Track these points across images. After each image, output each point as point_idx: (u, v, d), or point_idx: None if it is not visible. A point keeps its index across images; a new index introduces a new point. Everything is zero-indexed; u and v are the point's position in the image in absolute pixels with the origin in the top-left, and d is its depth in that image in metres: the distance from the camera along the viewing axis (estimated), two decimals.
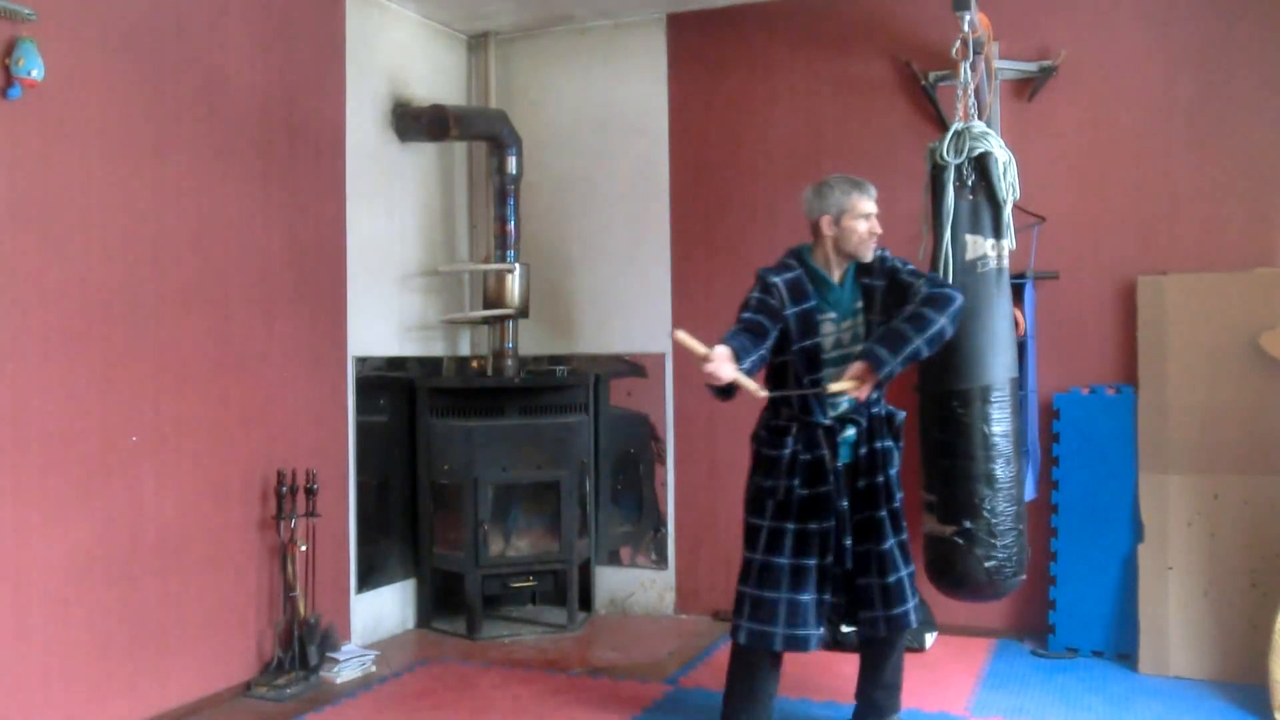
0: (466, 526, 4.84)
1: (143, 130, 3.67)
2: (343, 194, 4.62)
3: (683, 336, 2.92)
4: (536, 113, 5.47)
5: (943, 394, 3.56)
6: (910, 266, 3.29)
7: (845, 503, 3.17)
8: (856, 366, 3.10)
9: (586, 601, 5.21)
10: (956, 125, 3.58)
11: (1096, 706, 3.79)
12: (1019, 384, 3.75)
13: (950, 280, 3.56)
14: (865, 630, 3.24)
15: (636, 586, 5.26)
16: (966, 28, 3.78)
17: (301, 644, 4.12)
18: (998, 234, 3.60)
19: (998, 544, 3.53)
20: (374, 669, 4.31)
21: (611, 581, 5.31)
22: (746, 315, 3.17)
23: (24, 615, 3.25)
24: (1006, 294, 3.67)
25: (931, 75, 4.69)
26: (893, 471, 3.26)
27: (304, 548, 4.19)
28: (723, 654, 4.46)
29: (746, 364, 2.99)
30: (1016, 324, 4.13)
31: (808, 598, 3.15)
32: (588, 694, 3.99)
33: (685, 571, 5.19)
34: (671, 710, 3.81)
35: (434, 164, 5.32)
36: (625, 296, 5.30)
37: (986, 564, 3.51)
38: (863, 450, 3.23)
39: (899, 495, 3.27)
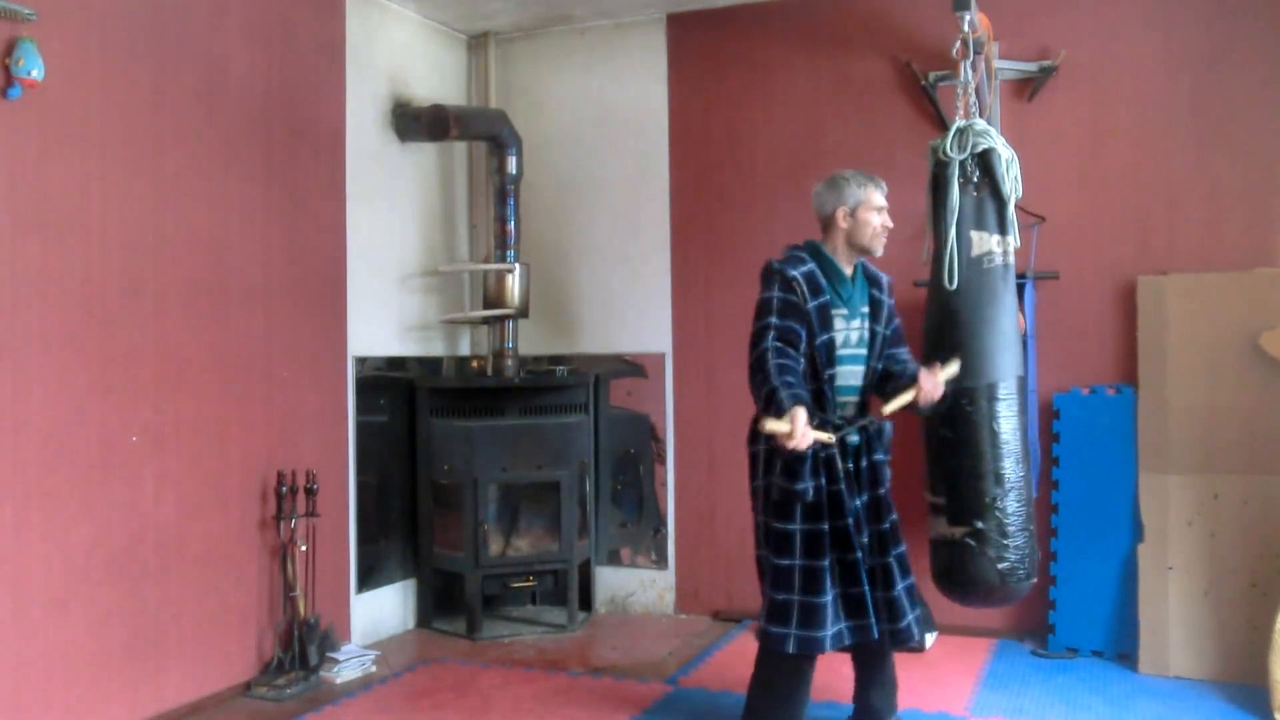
0: (466, 526, 4.84)
1: (143, 130, 3.67)
2: (343, 194, 4.62)
3: (771, 425, 2.94)
4: (536, 113, 5.47)
5: (953, 392, 3.52)
6: (897, 320, 3.39)
7: (858, 501, 3.17)
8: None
9: (586, 601, 5.21)
10: (959, 122, 3.57)
11: (1096, 706, 3.79)
12: (1023, 381, 3.74)
13: (956, 276, 3.54)
14: (863, 638, 3.22)
15: (636, 586, 5.26)
16: (966, 28, 3.78)
17: (301, 644, 4.12)
18: (1003, 230, 3.58)
19: (1010, 545, 3.48)
20: (374, 669, 4.31)
21: (611, 581, 5.31)
22: (776, 322, 3.10)
23: (24, 615, 3.25)
24: (1013, 290, 3.64)
25: (931, 75, 4.69)
26: (888, 485, 3.26)
27: (304, 548, 4.19)
28: (723, 654, 4.47)
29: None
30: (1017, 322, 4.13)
31: (832, 595, 3.15)
32: (588, 694, 3.99)
33: (685, 571, 5.19)
34: (671, 710, 3.81)
35: (434, 164, 5.32)
36: (625, 296, 5.30)
37: (999, 565, 3.45)
38: (864, 463, 3.21)
39: (894, 508, 3.27)
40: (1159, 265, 4.39)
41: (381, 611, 4.86)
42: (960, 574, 3.53)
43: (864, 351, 3.24)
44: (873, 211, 3.21)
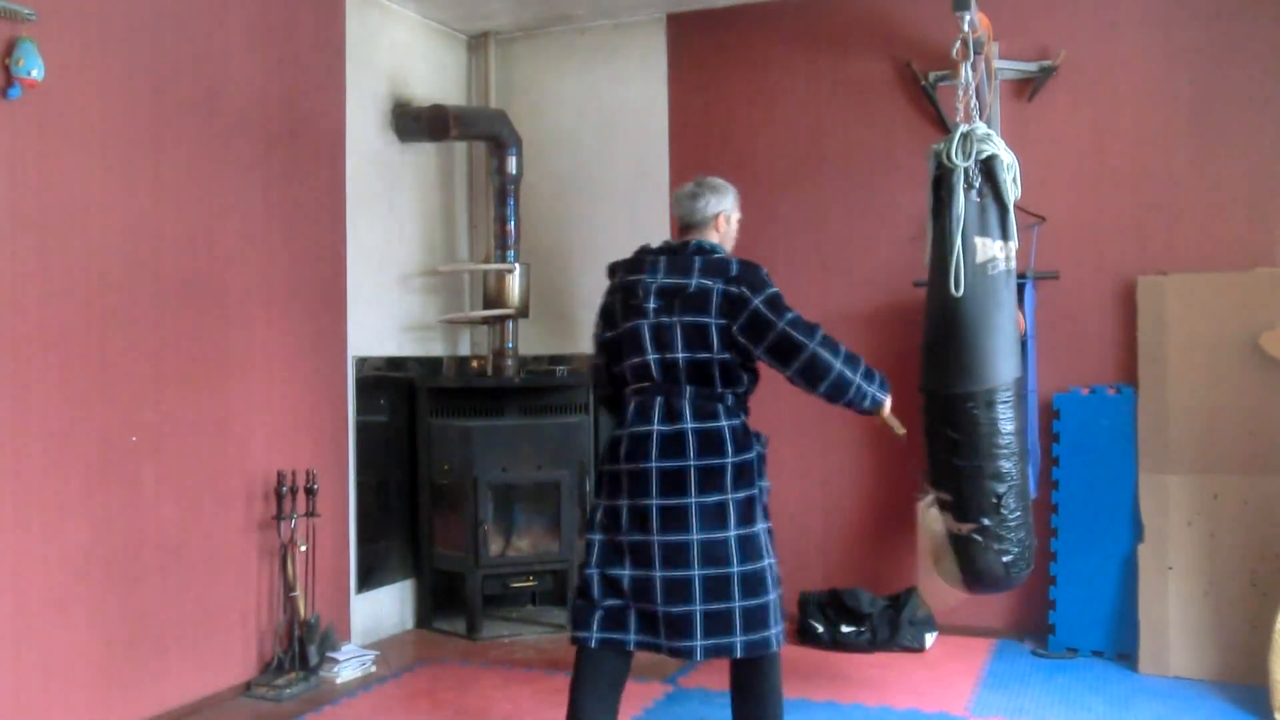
0: (466, 526, 4.84)
1: (143, 130, 3.67)
2: (343, 194, 4.62)
3: (891, 420, 3.15)
4: (536, 113, 5.47)
5: (958, 395, 3.57)
6: None
7: None
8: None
9: None
10: (961, 127, 3.57)
11: (1096, 706, 3.79)
12: (1022, 383, 3.76)
13: (963, 283, 3.55)
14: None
15: None
16: (966, 28, 3.78)
17: (301, 644, 4.12)
18: (1005, 236, 3.61)
19: (1013, 538, 3.60)
20: (374, 669, 4.31)
21: None
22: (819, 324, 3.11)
23: (24, 615, 3.25)
24: (1014, 294, 3.68)
25: (931, 75, 4.69)
26: None
27: (304, 548, 4.19)
28: None
29: None
30: (1017, 324, 4.14)
31: None
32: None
33: None
34: (671, 710, 3.81)
35: (434, 164, 5.32)
36: None
37: (1004, 558, 3.59)
38: None
39: None
40: (1159, 265, 4.39)
41: (381, 611, 4.86)
42: (968, 566, 3.65)
43: None
44: (738, 221, 3.26)
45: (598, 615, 2.99)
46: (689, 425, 2.96)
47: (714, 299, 2.98)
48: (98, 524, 3.48)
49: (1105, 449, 4.33)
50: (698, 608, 2.91)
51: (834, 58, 4.95)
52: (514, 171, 5.14)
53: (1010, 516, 3.58)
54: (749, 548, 2.95)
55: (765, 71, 5.08)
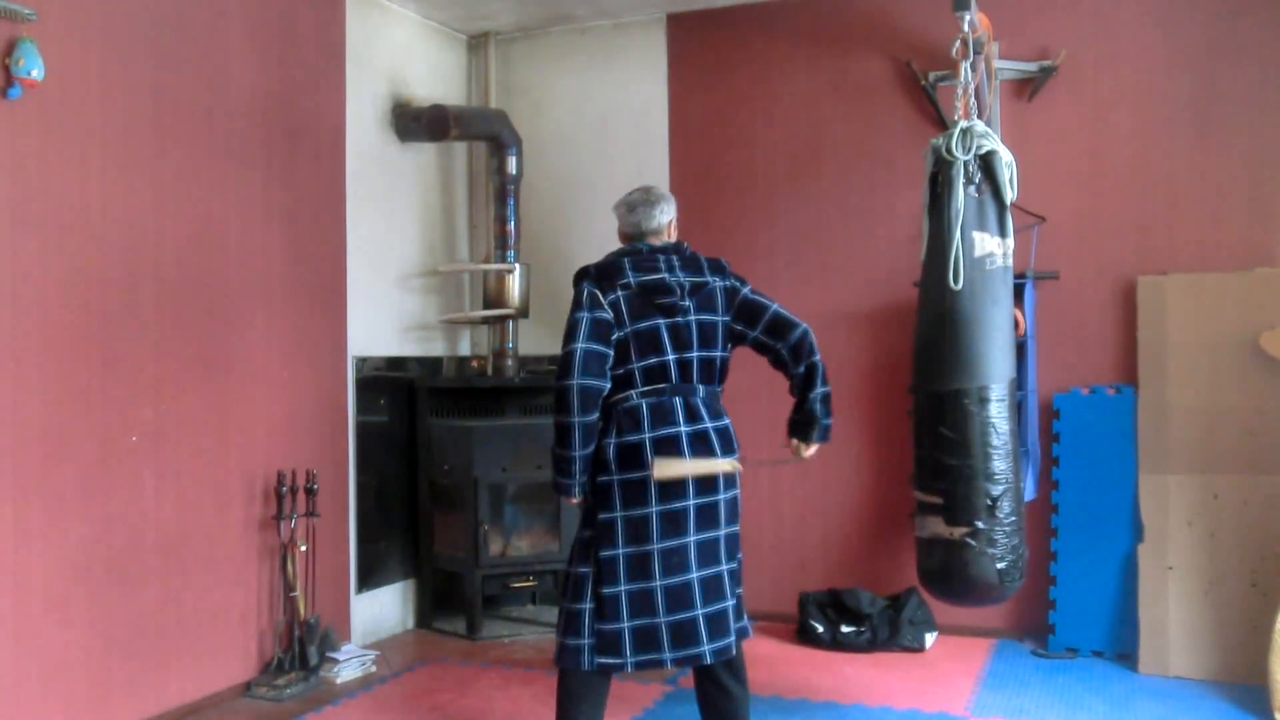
0: (466, 526, 4.84)
1: (143, 130, 3.67)
2: (343, 194, 4.62)
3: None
4: (536, 113, 5.47)
5: (953, 391, 3.52)
6: None
7: None
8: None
9: None
10: (961, 123, 3.57)
11: (1096, 706, 3.79)
12: (1018, 383, 3.74)
13: (961, 277, 3.53)
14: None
15: None
16: (966, 28, 3.78)
17: (301, 644, 4.12)
18: (1003, 232, 3.59)
19: (1007, 544, 3.49)
20: (374, 669, 4.31)
21: None
22: None
23: (24, 615, 3.25)
24: (1010, 292, 3.65)
25: (931, 75, 4.69)
26: None
27: (304, 548, 4.19)
28: None
29: None
30: (1016, 324, 4.13)
31: None
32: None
33: None
34: (671, 710, 3.81)
35: (434, 164, 5.32)
36: None
37: (998, 565, 3.47)
38: None
39: None
40: (1159, 265, 4.39)
41: (381, 611, 4.86)
42: (960, 574, 3.51)
43: None
44: None
45: (628, 637, 2.89)
46: (709, 424, 2.98)
47: (720, 297, 3.07)
48: (98, 524, 3.48)
49: (1105, 449, 4.33)
50: (728, 603, 2.95)
51: (834, 58, 4.95)
52: (514, 171, 5.14)
53: (1005, 520, 3.48)
54: (734, 544, 3.02)
55: (765, 71, 5.08)
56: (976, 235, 3.54)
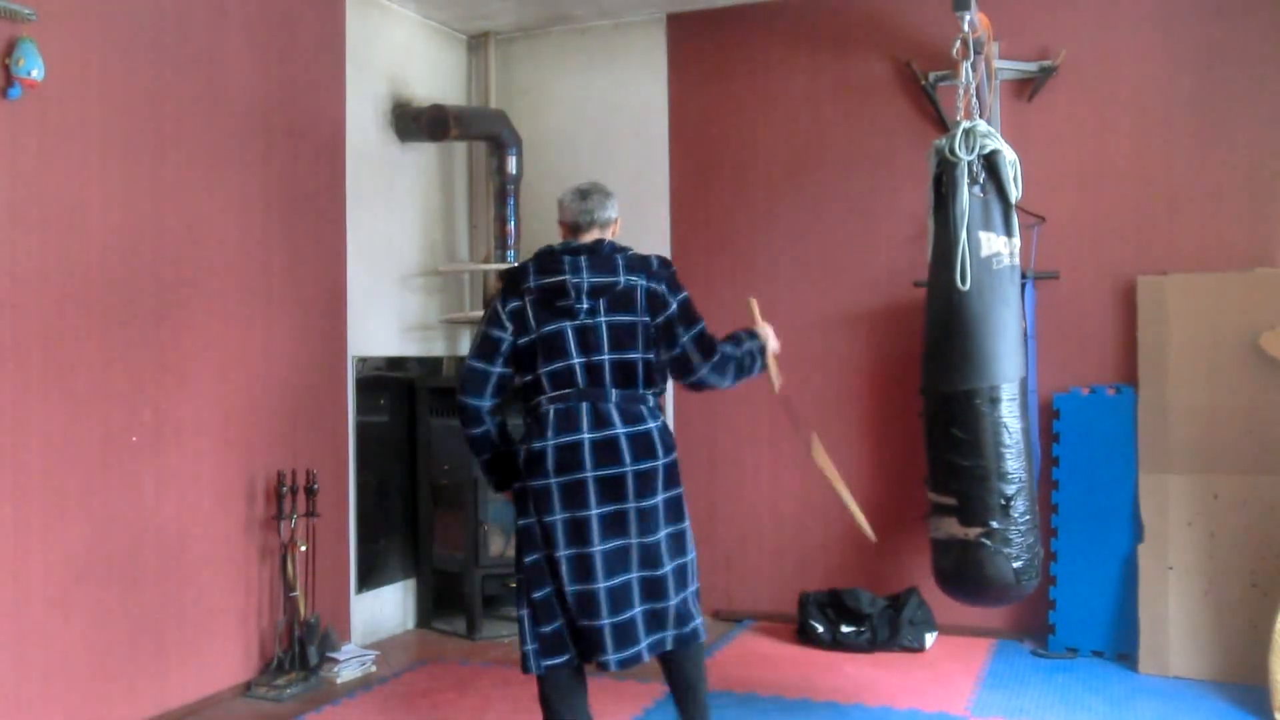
0: (466, 526, 4.84)
1: (142, 130, 3.67)
2: (343, 194, 4.62)
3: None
4: (536, 113, 5.47)
5: (964, 392, 3.51)
6: None
7: None
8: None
9: None
10: (964, 123, 3.57)
11: (1096, 706, 3.79)
12: (1026, 382, 3.73)
13: (969, 277, 3.53)
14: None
15: None
16: (966, 28, 3.78)
17: (301, 644, 4.12)
18: (1008, 231, 3.59)
19: (1024, 544, 3.48)
20: (374, 669, 4.31)
21: None
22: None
23: (24, 615, 3.25)
24: (1019, 291, 3.65)
25: (931, 75, 4.69)
26: None
27: (304, 548, 4.19)
28: (723, 654, 4.48)
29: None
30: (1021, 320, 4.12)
31: None
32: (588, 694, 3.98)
33: None
34: (671, 710, 3.80)
35: (434, 164, 5.32)
36: None
37: (1015, 564, 3.46)
38: None
39: None
40: (1159, 265, 4.39)
41: (381, 611, 4.86)
42: (975, 574, 3.50)
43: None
44: None
45: (549, 641, 2.93)
46: (620, 430, 2.89)
47: (640, 296, 2.95)
48: (98, 524, 3.48)
49: (1105, 449, 4.33)
50: (638, 609, 2.90)
51: (834, 58, 4.95)
52: (514, 171, 5.14)
53: (1020, 519, 3.47)
54: (678, 546, 2.99)
55: (765, 71, 5.08)
56: (983, 235, 3.53)
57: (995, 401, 3.49)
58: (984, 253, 3.53)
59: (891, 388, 4.73)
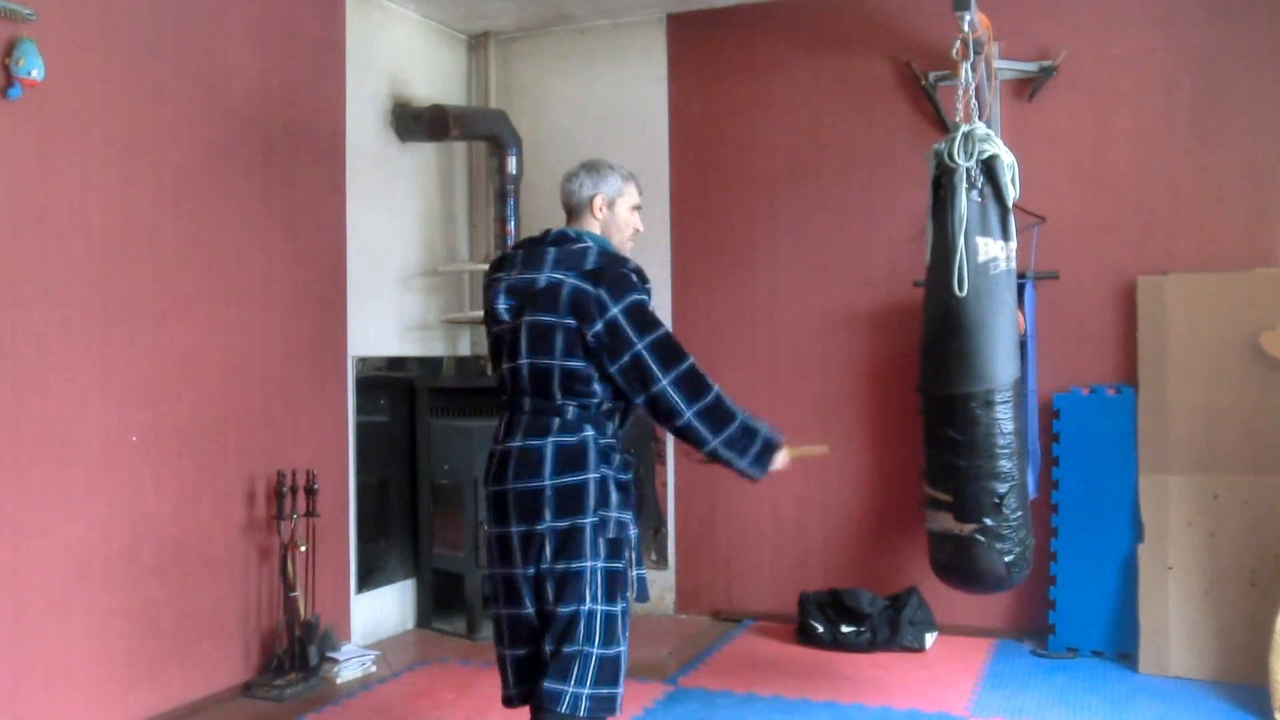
0: (466, 526, 4.84)
1: (142, 130, 3.67)
2: (343, 194, 4.62)
3: (807, 449, 2.93)
4: (536, 113, 5.47)
5: (960, 395, 3.59)
6: None
7: None
8: None
9: None
10: (963, 127, 3.58)
11: (1096, 706, 3.79)
12: (1021, 383, 3.78)
13: (966, 282, 3.54)
14: None
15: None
16: (966, 28, 3.78)
17: (301, 644, 4.12)
18: (1006, 236, 3.63)
19: (1015, 538, 3.62)
20: (374, 669, 4.31)
21: None
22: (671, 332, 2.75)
23: (24, 615, 3.25)
24: (1014, 295, 3.70)
25: (931, 75, 4.69)
26: None
27: (304, 548, 4.19)
28: (723, 654, 4.48)
29: None
30: (1017, 324, 4.14)
31: None
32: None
33: (685, 571, 5.19)
34: (671, 710, 3.81)
35: (434, 164, 5.32)
36: None
37: (1006, 558, 3.61)
38: None
39: None
40: (1159, 265, 4.39)
41: (381, 611, 4.86)
42: (969, 567, 3.67)
43: None
44: (630, 209, 2.82)
45: (506, 663, 2.72)
46: (517, 443, 2.65)
47: (564, 295, 2.61)
48: (98, 524, 3.48)
49: (1105, 449, 4.33)
50: (523, 649, 2.67)
51: (834, 58, 4.95)
52: (514, 171, 5.14)
53: (1011, 516, 3.60)
54: (569, 589, 2.57)
55: (765, 71, 5.08)
56: (980, 240, 3.57)
57: (990, 405, 3.58)
58: (981, 258, 3.56)
59: (891, 387, 4.73)
